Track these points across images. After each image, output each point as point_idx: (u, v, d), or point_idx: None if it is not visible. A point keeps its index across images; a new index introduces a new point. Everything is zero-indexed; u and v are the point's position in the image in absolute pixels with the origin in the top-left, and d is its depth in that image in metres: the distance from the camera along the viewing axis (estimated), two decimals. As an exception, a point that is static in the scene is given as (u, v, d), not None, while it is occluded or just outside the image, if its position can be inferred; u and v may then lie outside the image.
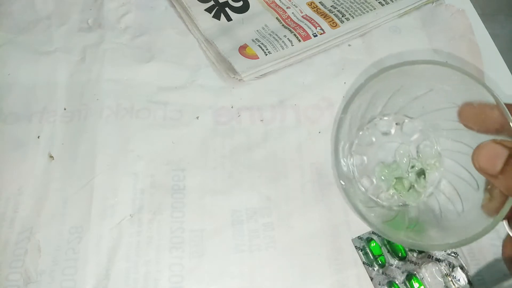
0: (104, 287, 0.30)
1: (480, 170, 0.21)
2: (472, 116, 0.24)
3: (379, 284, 0.31)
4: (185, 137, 0.37)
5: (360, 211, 0.25)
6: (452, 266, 0.32)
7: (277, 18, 0.44)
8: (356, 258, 0.32)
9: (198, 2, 0.44)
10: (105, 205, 0.33)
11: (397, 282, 0.31)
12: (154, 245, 0.32)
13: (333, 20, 0.43)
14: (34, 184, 0.33)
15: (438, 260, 0.32)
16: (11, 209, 0.32)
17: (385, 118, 0.30)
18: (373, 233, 0.33)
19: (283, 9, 0.44)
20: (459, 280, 0.31)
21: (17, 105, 0.37)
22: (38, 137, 0.36)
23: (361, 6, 0.44)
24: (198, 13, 0.43)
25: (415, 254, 0.32)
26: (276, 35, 0.42)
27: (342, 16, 0.43)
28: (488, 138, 0.22)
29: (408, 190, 0.29)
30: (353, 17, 0.43)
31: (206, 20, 0.43)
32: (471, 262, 0.32)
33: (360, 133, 0.30)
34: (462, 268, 0.32)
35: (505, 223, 0.23)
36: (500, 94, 0.40)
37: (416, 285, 0.31)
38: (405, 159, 0.30)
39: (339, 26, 0.42)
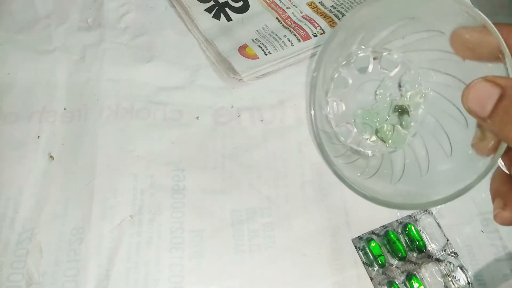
0: (105, 287, 0.30)
1: (470, 112, 0.19)
2: (464, 42, 0.21)
3: (379, 284, 0.31)
4: (185, 137, 0.37)
5: (340, 171, 0.22)
6: (452, 266, 0.32)
7: (277, 18, 0.43)
8: (356, 258, 0.32)
9: (198, 2, 0.44)
10: (106, 206, 0.33)
11: (397, 282, 0.31)
12: (154, 246, 0.32)
13: (333, 20, 0.43)
14: (35, 184, 0.33)
15: (438, 260, 0.32)
16: (12, 210, 0.32)
17: (361, 54, 0.27)
18: (373, 233, 0.33)
19: (283, 9, 0.44)
20: (459, 280, 0.31)
21: (16, 104, 0.37)
22: (38, 137, 0.35)
23: (361, 6, 0.44)
24: (198, 13, 0.43)
25: (415, 254, 0.32)
26: (276, 35, 0.42)
27: (342, 16, 0.43)
28: (478, 68, 0.20)
29: (392, 134, 0.26)
30: (353, 17, 0.43)
31: (206, 20, 0.43)
32: (471, 262, 0.32)
33: (336, 75, 0.27)
34: (462, 268, 0.32)
35: None
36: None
37: (416, 285, 0.31)
38: (386, 99, 0.27)
39: (339, 26, 0.42)
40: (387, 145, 0.26)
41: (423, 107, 0.26)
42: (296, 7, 0.44)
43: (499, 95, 0.18)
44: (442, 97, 0.26)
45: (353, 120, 0.27)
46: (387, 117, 0.26)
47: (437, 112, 0.26)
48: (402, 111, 0.26)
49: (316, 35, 0.42)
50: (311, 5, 0.45)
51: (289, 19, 0.43)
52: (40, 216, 0.32)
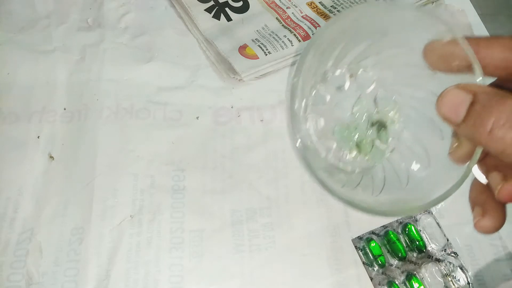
0: (105, 287, 0.30)
1: (444, 118, 0.20)
2: (436, 54, 0.22)
3: (379, 284, 0.31)
4: (185, 137, 0.37)
5: (324, 182, 0.23)
6: (452, 266, 0.32)
7: (277, 18, 0.43)
8: (356, 258, 0.32)
9: (198, 2, 0.44)
10: (106, 206, 0.33)
11: (397, 282, 0.31)
12: (154, 246, 0.32)
13: (333, 20, 0.43)
14: (35, 184, 0.33)
15: (438, 260, 0.32)
16: (12, 209, 0.32)
17: (338, 71, 0.27)
18: (373, 233, 0.33)
19: (283, 9, 0.44)
20: (459, 280, 0.31)
21: (16, 104, 0.37)
22: (38, 137, 0.35)
23: (361, 6, 0.44)
24: (198, 13, 0.43)
25: (415, 254, 0.32)
26: (276, 35, 0.42)
27: (342, 16, 0.43)
28: (450, 80, 0.20)
29: (371, 149, 0.27)
30: (353, 17, 0.43)
31: (206, 20, 0.43)
32: (471, 262, 0.32)
33: (314, 92, 0.27)
34: (462, 268, 0.32)
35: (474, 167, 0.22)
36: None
37: (416, 285, 0.31)
38: (364, 116, 0.27)
39: (339, 26, 0.42)
40: (367, 160, 0.27)
41: (399, 122, 0.27)
42: (296, 7, 0.44)
43: (471, 101, 0.18)
44: (417, 111, 0.26)
45: (333, 136, 0.28)
46: (365, 132, 0.27)
47: (414, 126, 0.26)
48: (379, 126, 0.27)
49: (316, 35, 0.42)
50: (311, 5, 0.45)
51: (289, 19, 0.43)
52: (40, 216, 0.32)
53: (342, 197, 0.23)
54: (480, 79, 0.20)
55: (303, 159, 0.23)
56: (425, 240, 0.33)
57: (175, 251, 0.32)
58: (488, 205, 0.21)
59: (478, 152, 0.20)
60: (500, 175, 0.20)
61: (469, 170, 0.21)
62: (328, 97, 0.27)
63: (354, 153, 0.27)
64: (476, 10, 0.46)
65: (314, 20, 0.43)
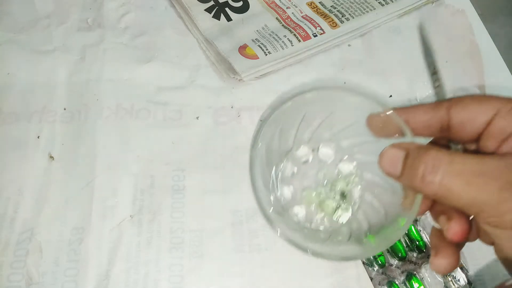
0: (105, 287, 0.30)
1: (387, 173, 0.23)
2: (376, 125, 0.27)
3: (379, 284, 0.31)
4: (185, 137, 0.37)
5: (297, 244, 0.27)
6: None
7: (277, 18, 0.43)
8: (356, 258, 0.32)
9: (198, 2, 0.44)
10: (106, 206, 0.33)
11: (397, 282, 0.31)
12: (154, 246, 0.32)
13: (333, 20, 0.43)
14: (35, 184, 0.33)
15: (438, 260, 0.32)
16: (12, 209, 0.32)
17: (301, 147, 0.33)
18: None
19: (283, 9, 0.44)
20: (459, 280, 0.31)
21: (16, 104, 0.37)
22: (38, 137, 0.35)
23: (361, 6, 0.44)
24: (198, 13, 0.43)
25: (415, 254, 0.32)
26: (276, 35, 0.42)
27: (342, 16, 0.43)
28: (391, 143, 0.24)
29: (336, 210, 0.31)
30: (353, 17, 0.43)
31: (206, 20, 0.43)
32: (471, 262, 0.32)
33: (281, 165, 0.32)
34: (462, 268, 0.32)
35: (429, 215, 0.25)
36: (500, 93, 0.40)
37: (416, 285, 0.31)
38: (326, 182, 0.32)
39: (339, 26, 0.42)
40: (334, 220, 0.31)
41: (360, 184, 0.31)
42: (296, 7, 0.44)
43: (404, 156, 0.22)
44: (373, 173, 0.31)
45: (302, 202, 0.32)
46: (330, 196, 0.31)
47: (372, 186, 0.31)
48: (342, 191, 0.31)
49: (316, 35, 0.42)
50: (311, 5, 0.45)
51: (289, 19, 0.43)
52: (40, 216, 0.32)
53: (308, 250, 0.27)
54: (411, 139, 0.24)
55: (277, 226, 0.27)
56: (425, 240, 0.33)
57: (175, 251, 0.32)
58: (441, 247, 0.23)
59: (419, 198, 0.24)
60: (446, 217, 0.23)
61: (413, 214, 0.24)
62: (295, 169, 0.32)
63: (321, 215, 0.31)
64: (476, 10, 0.46)
65: (314, 20, 0.43)
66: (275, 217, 0.28)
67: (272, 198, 0.30)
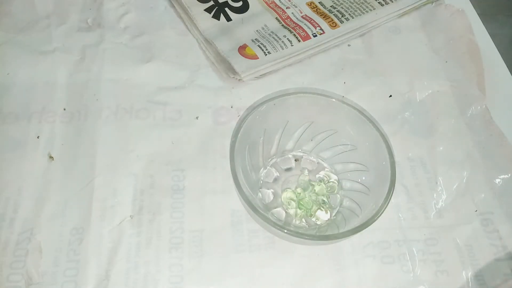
0: (105, 287, 0.30)
1: None
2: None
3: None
4: (185, 137, 0.37)
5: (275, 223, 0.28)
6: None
7: (276, 18, 0.43)
8: (356, 258, 0.32)
9: (198, 2, 0.44)
10: (105, 206, 0.33)
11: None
12: (154, 246, 0.32)
13: (332, 20, 0.43)
14: (34, 184, 0.33)
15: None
16: (11, 209, 0.32)
17: (285, 155, 0.35)
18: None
19: (282, 9, 0.44)
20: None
21: (16, 105, 0.37)
22: (38, 137, 0.35)
23: (360, 6, 0.44)
24: (197, 13, 0.43)
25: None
26: (276, 35, 0.42)
27: (342, 16, 0.43)
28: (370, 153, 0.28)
29: (315, 213, 0.33)
30: (353, 17, 0.43)
31: (205, 20, 0.43)
32: (471, 262, 0.32)
33: (264, 171, 0.34)
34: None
35: None
36: (500, 93, 0.41)
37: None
38: (307, 186, 0.34)
39: (339, 26, 0.42)
40: (313, 220, 0.33)
41: (340, 193, 0.34)
42: (296, 7, 0.44)
43: None
44: (351, 181, 0.34)
45: (283, 204, 0.33)
46: (313, 197, 0.33)
47: (350, 192, 0.33)
48: (322, 200, 0.33)
49: (316, 35, 0.42)
50: (310, 5, 0.45)
51: (288, 19, 0.43)
52: (40, 216, 0.32)
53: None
54: None
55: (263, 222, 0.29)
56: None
57: (175, 251, 0.32)
58: None
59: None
60: None
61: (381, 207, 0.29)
62: (277, 174, 0.35)
63: (301, 215, 0.33)
64: (476, 10, 0.46)
65: (314, 20, 0.43)
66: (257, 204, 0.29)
67: (255, 197, 0.31)
